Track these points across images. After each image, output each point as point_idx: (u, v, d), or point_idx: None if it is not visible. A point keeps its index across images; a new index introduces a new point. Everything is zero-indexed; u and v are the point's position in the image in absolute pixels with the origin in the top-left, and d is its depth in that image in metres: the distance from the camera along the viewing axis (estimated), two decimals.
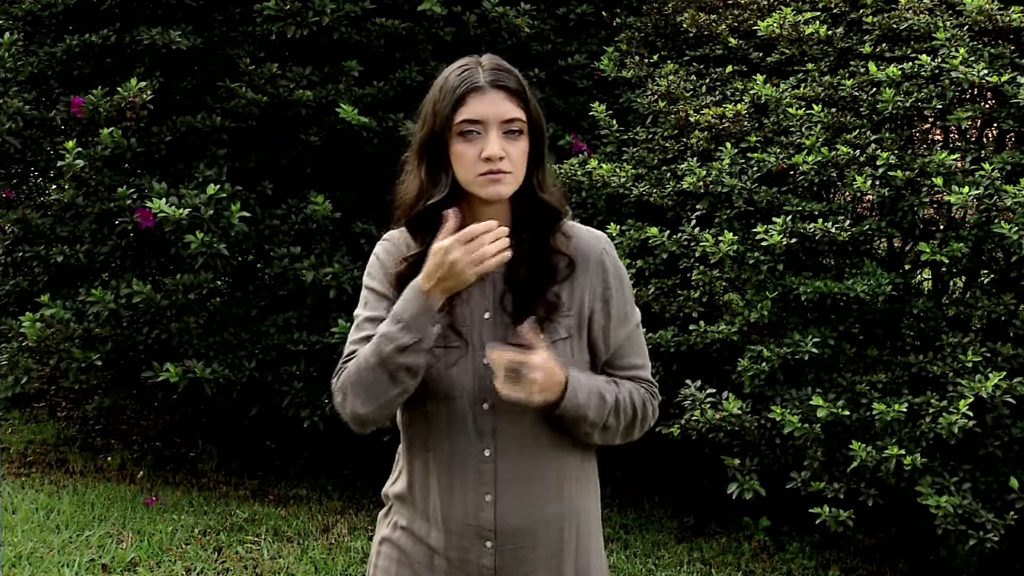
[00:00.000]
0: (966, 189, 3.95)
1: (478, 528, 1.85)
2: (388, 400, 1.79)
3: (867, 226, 4.23)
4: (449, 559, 1.87)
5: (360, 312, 1.90)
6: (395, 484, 1.97)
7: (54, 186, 5.18)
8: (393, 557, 1.94)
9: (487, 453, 1.84)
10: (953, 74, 4.17)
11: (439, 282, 1.75)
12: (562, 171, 4.73)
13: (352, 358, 1.84)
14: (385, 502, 2.01)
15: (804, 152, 4.34)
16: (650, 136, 4.97)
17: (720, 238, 4.24)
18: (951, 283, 4.72)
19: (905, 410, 3.87)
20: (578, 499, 1.93)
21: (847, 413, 3.95)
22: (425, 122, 1.85)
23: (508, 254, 1.76)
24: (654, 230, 4.50)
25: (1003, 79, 4.09)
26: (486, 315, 1.87)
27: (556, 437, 1.88)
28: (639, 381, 1.95)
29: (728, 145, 4.52)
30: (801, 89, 4.59)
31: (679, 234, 4.49)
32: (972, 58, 4.20)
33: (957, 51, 4.21)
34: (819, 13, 4.80)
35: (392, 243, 1.93)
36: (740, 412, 4.13)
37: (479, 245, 1.73)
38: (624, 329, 1.94)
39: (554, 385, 1.78)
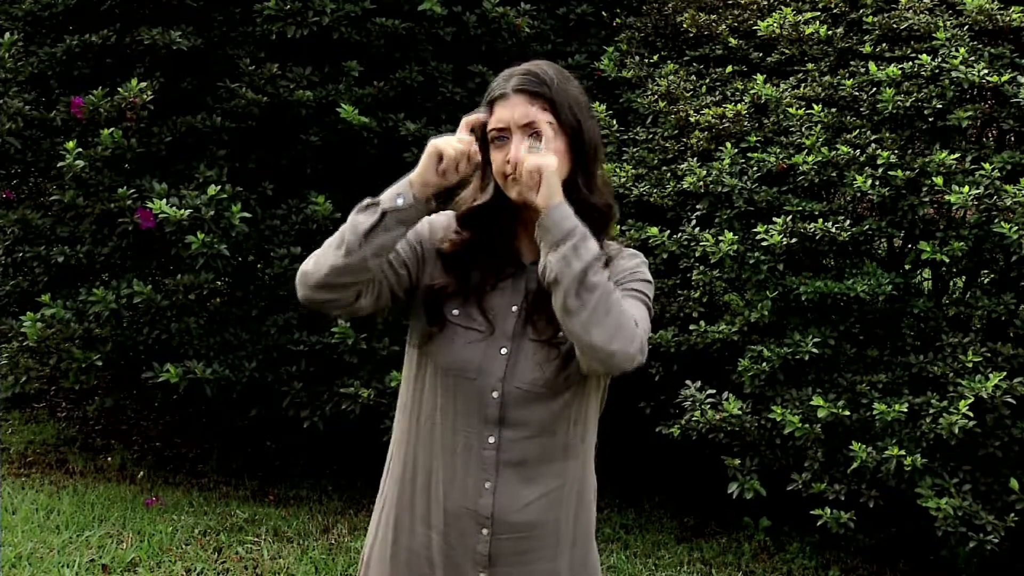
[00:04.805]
0: (966, 189, 3.95)
1: (475, 514, 1.85)
2: (330, 263, 1.77)
3: (867, 226, 4.23)
4: (447, 540, 1.88)
5: None
6: (393, 468, 1.97)
7: (54, 186, 5.15)
8: (389, 541, 1.94)
9: (491, 440, 1.85)
10: (953, 74, 4.17)
11: (422, 169, 1.78)
12: None
13: None
14: (380, 495, 2.00)
15: (804, 152, 4.34)
16: (650, 136, 4.97)
17: (720, 238, 4.24)
18: (951, 283, 4.72)
19: (905, 410, 3.87)
20: (577, 504, 1.93)
21: (847, 413, 3.95)
22: None
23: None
24: (654, 230, 4.50)
25: (1003, 79, 4.09)
26: (514, 308, 1.89)
27: (563, 440, 1.88)
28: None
29: (728, 145, 4.52)
30: (801, 89, 4.59)
31: (679, 234, 4.49)
32: (972, 58, 4.20)
33: (957, 51, 4.21)
34: (819, 13, 4.80)
35: (449, 216, 1.96)
36: (740, 412, 4.13)
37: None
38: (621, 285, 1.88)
39: (555, 185, 1.76)
